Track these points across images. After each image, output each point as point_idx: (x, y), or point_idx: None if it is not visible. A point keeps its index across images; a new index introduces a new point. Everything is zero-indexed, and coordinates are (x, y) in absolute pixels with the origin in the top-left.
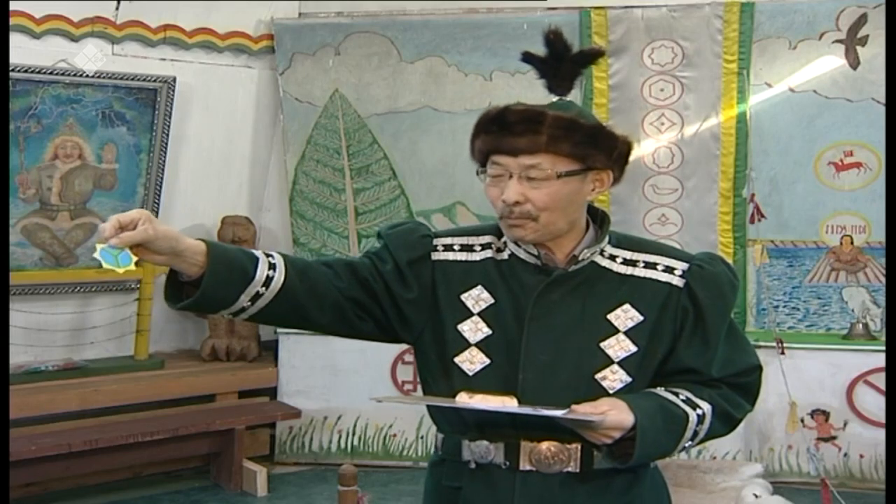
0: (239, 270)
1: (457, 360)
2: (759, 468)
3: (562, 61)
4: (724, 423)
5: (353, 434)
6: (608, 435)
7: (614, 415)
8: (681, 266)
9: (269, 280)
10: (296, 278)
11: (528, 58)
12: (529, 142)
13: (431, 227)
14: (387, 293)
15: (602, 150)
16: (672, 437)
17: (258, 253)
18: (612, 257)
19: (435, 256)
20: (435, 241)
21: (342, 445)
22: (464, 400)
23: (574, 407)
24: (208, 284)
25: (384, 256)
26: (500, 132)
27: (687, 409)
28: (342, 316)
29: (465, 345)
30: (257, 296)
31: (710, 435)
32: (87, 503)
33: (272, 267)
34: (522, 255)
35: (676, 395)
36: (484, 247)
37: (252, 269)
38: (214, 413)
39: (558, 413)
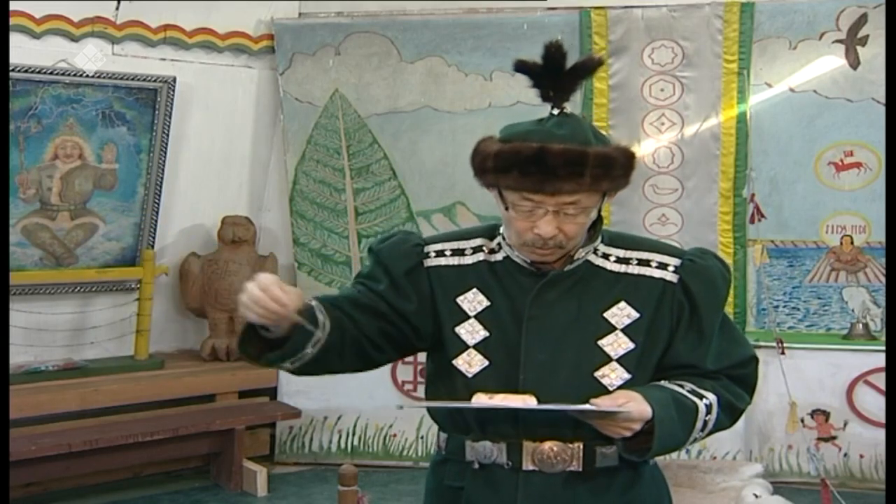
0: (311, 320)
1: (455, 362)
2: (759, 468)
3: (558, 73)
4: (729, 414)
5: (353, 434)
6: (629, 427)
7: (634, 406)
8: (673, 262)
9: (324, 325)
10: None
11: (521, 67)
12: (574, 185)
13: (432, 227)
14: (392, 311)
15: (629, 174)
16: (685, 428)
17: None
18: (606, 256)
19: (428, 263)
20: (426, 249)
21: (342, 445)
22: (482, 400)
23: (594, 401)
24: (300, 341)
25: (377, 275)
26: (540, 174)
27: (695, 399)
28: (361, 353)
29: (463, 347)
30: (317, 342)
31: (717, 427)
32: (87, 503)
33: (320, 311)
34: (517, 259)
35: (682, 386)
36: (475, 250)
37: (314, 317)
38: (214, 413)
39: (583, 407)
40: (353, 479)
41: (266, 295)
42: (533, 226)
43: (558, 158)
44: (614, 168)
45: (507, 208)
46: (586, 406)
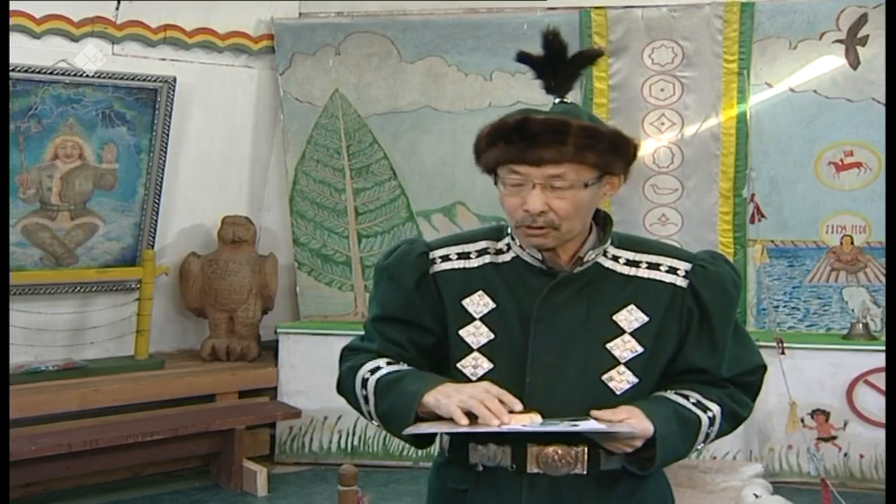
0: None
1: (459, 365)
2: (759, 468)
3: (560, 62)
4: (731, 422)
5: (353, 434)
6: (630, 444)
7: (636, 423)
8: (684, 266)
9: None
10: None
11: (524, 58)
12: (556, 152)
13: (432, 227)
14: (419, 329)
15: (621, 156)
16: (687, 442)
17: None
18: (616, 258)
19: (434, 269)
20: (431, 255)
21: (342, 445)
22: (487, 425)
23: (594, 413)
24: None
25: (394, 299)
26: (522, 142)
27: (698, 412)
28: None
29: (468, 350)
30: None
31: (719, 435)
32: (87, 503)
33: None
34: (527, 258)
35: (686, 398)
36: (480, 253)
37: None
38: (214, 413)
39: (588, 428)
40: (353, 479)
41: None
42: (523, 202)
43: (540, 126)
44: (600, 142)
45: (500, 188)
46: (591, 426)
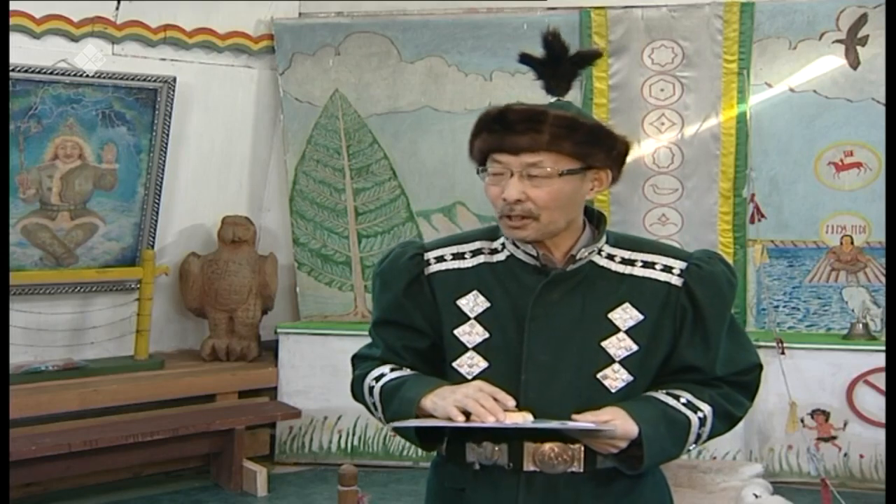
0: None
1: (455, 364)
2: (759, 468)
3: (560, 62)
4: (725, 422)
5: (353, 434)
6: (614, 445)
7: (619, 424)
8: (679, 265)
9: None
10: None
11: (525, 59)
12: (531, 140)
13: (432, 227)
14: (415, 333)
15: (602, 148)
16: (676, 443)
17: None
18: (611, 256)
19: (428, 270)
20: (426, 256)
21: (342, 445)
22: (480, 421)
23: (575, 416)
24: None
25: (391, 305)
26: (501, 131)
27: (688, 412)
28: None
29: (463, 349)
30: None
31: (712, 435)
32: (87, 503)
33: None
34: (521, 255)
35: (677, 398)
36: (474, 253)
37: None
38: (214, 413)
39: (576, 426)
40: (353, 479)
41: (497, 403)
42: (503, 191)
43: (518, 115)
44: (577, 131)
45: (483, 179)
46: (577, 424)
